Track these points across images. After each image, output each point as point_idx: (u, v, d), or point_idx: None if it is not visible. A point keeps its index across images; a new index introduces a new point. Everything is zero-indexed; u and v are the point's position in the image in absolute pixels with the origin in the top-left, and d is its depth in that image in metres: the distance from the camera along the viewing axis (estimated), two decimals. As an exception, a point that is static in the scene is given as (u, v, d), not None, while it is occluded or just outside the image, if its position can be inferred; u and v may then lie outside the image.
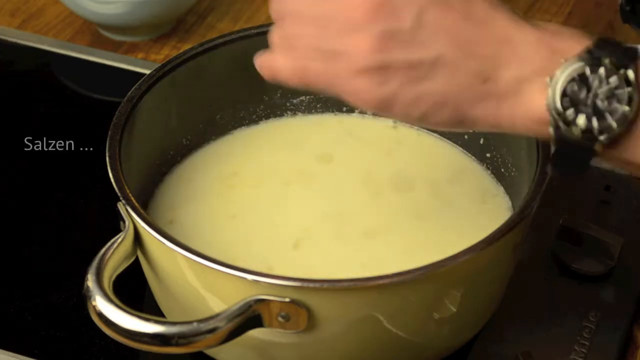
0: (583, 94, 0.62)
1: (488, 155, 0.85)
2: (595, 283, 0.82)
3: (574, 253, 0.83)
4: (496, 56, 0.64)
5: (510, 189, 0.83)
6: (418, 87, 0.65)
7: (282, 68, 0.68)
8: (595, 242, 0.82)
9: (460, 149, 0.87)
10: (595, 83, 0.62)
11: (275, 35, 0.68)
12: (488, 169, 0.85)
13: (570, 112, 0.62)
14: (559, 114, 0.63)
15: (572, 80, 0.62)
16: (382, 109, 0.66)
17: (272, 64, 0.69)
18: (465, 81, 0.64)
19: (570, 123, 0.63)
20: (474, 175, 0.85)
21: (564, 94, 0.62)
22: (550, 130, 0.63)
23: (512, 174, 0.82)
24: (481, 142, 0.85)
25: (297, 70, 0.67)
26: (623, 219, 0.86)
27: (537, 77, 0.63)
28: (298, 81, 0.68)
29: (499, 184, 0.84)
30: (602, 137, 0.62)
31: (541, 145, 0.76)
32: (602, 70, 0.62)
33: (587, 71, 0.62)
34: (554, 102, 0.62)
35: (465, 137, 0.86)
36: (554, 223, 0.84)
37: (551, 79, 0.63)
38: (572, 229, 0.83)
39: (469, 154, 0.87)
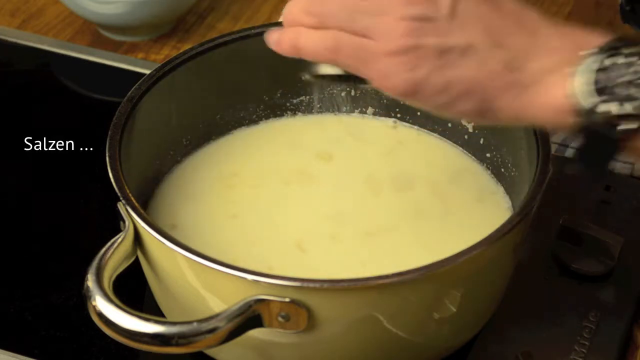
0: (604, 83, 0.63)
1: (488, 155, 0.85)
2: (595, 283, 0.82)
3: (574, 253, 0.83)
4: (525, 47, 0.65)
5: (510, 189, 0.83)
6: (447, 74, 0.65)
7: (311, 44, 0.67)
8: (595, 242, 0.82)
9: (460, 149, 0.87)
10: (615, 72, 0.63)
11: (298, 9, 0.68)
12: (488, 169, 0.85)
13: (591, 100, 0.63)
14: (580, 102, 0.63)
15: (594, 69, 0.63)
16: (409, 94, 0.66)
17: (296, 35, 0.68)
18: (494, 69, 0.65)
19: (592, 111, 0.63)
20: (474, 175, 0.85)
21: (585, 83, 0.63)
22: (573, 119, 0.64)
23: (512, 174, 0.82)
24: (481, 142, 0.85)
25: (327, 46, 0.67)
26: (623, 219, 0.86)
27: (561, 68, 0.64)
28: (327, 57, 0.67)
29: (499, 183, 0.84)
30: (623, 125, 0.63)
31: (541, 145, 0.76)
32: (622, 60, 0.63)
33: (608, 61, 0.63)
34: (576, 91, 0.63)
35: (465, 137, 0.86)
36: (554, 223, 0.84)
37: (574, 69, 0.63)
38: (572, 229, 0.83)
39: (469, 154, 0.87)
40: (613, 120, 0.63)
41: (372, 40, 0.65)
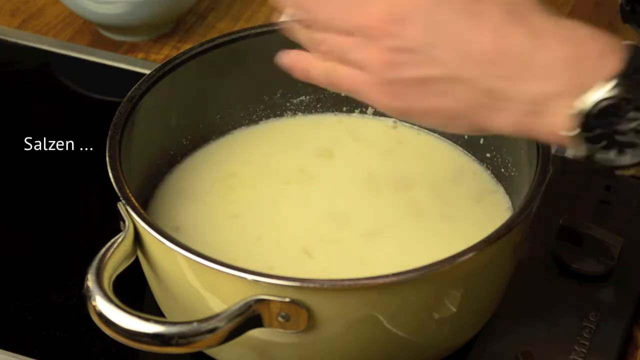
0: (604, 127, 0.60)
1: (488, 155, 0.85)
2: (595, 283, 0.82)
3: (574, 253, 0.83)
4: (512, 74, 0.62)
5: (510, 189, 0.83)
6: (430, 102, 0.65)
7: (316, 71, 0.69)
8: (595, 242, 0.82)
9: (460, 149, 0.87)
10: (617, 118, 0.60)
11: (305, 37, 0.69)
12: (488, 169, 0.85)
13: (590, 144, 0.61)
14: (579, 143, 0.61)
15: (597, 113, 0.60)
16: (401, 117, 0.68)
17: (306, 64, 0.70)
18: (479, 99, 0.63)
19: (593, 151, 0.62)
20: (474, 175, 0.85)
21: (584, 126, 0.60)
22: (574, 150, 0.62)
23: (512, 174, 0.82)
24: (481, 142, 0.85)
25: (328, 75, 0.69)
26: (623, 219, 0.86)
27: (561, 100, 0.61)
28: (329, 85, 0.69)
29: (499, 184, 0.84)
30: (620, 170, 0.62)
31: (541, 145, 0.76)
32: (628, 107, 0.60)
33: (611, 105, 0.60)
34: (575, 132, 0.61)
35: (465, 137, 0.86)
36: (554, 223, 0.84)
37: (576, 107, 0.60)
38: (572, 229, 0.83)
39: (469, 154, 0.87)
40: (609, 163, 0.62)
41: (362, 72, 0.66)
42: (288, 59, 0.71)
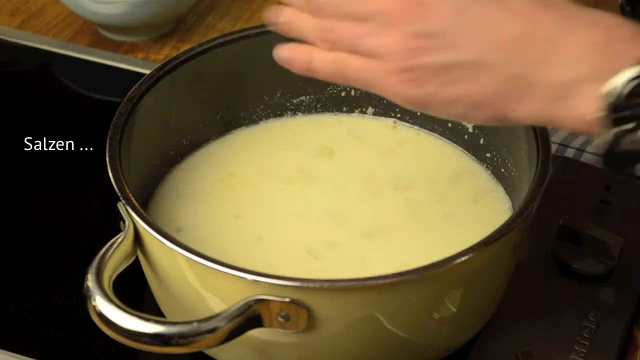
0: (635, 108, 0.59)
1: (488, 155, 0.85)
2: (595, 283, 0.82)
3: (574, 253, 0.83)
4: (540, 59, 0.61)
5: (510, 189, 0.83)
6: (453, 90, 0.63)
7: (321, 62, 0.66)
8: (595, 242, 0.82)
9: (460, 149, 0.87)
10: None
11: (311, 28, 0.66)
12: (488, 169, 0.85)
13: (623, 124, 0.60)
14: (611, 124, 0.60)
15: (628, 93, 0.59)
16: (419, 108, 0.65)
17: (308, 56, 0.67)
18: (505, 84, 0.62)
19: (623, 134, 0.60)
20: (474, 175, 0.85)
21: (617, 107, 0.60)
22: (603, 134, 0.61)
23: (512, 174, 0.82)
24: (481, 142, 0.85)
25: (336, 65, 0.66)
26: (623, 219, 0.86)
27: (589, 83, 0.60)
28: (336, 77, 0.66)
29: (499, 184, 0.84)
30: None
31: (541, 145, 0.76)
32: None
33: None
34: (608, 113, 0.60)
35: (465, 137, 0.86)
36: (554, 223, 0.84)
37: (608, 88, 0.60)
38: (572, 229, 0.83)
39: (469, 154, 0.87)
40: (638, 147, 0.60)
41: (377, 61, 0.64)
42: (286, 52, 0.68)
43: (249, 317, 0.68)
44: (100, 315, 0.67)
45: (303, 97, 0.89)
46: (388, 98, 0.66)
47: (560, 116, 0.62)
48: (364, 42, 0.64)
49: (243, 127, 0.89)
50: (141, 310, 0.68)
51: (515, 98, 0.63)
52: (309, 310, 0.68)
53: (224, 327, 0.67)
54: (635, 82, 0.59)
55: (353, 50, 0.65)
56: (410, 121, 0.89)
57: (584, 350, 0.77)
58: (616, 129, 0.61)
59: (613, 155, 0.62)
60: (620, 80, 0.59)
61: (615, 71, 0.60)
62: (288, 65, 0.69)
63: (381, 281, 0.68)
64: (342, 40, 0.65)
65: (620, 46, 0.60)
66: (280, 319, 0.68)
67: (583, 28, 0.61)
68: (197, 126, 0.87)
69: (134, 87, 0.80)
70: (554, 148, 0.88)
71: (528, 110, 0.63)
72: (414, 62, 0.63)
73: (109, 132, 0.77)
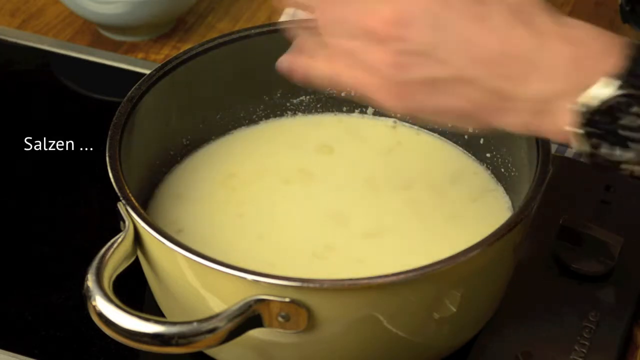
0: (608, 124, 0.61)
1: (488, 155, 0.85)
2: (595, 283, 0.82)
3: (574, 253, 0.83)
4: (517, 75, 0.63)
5: (510, 189, 0.83)
6: (439, 102, 0.66)
7: (317, 74, 0.69)
8: (595, 242, 0.82)
9: (460, 149, 0.87)
10: (621, 114, 0.61)
11: (308, 39, 0.70)
12: (488, 169, 0.85)
13: (594, 140, 0.62)
14: (583, 139, 0.62)
15: (597, 109, 0.61)
16: (409, 116, 0.69)
17: (307, 68, 0.70)
18: (485, 98, 0.64)
19: (596, 149, 0.62)
20: (474, 175, 0.85)
21: (588, 122, 0.61)
22: (580, 147, 0.63)
23: (512, 174, 0.82)
24: (481, 142, 0.85)
25: (331, 77, 0.69)
26: (623, 219, 0.86)
27: (563, 99, 0.62)
28: (332, 87, 0.71)
29: (499, 183, 0.84)
30: (625, 165, 0.62)
31: (541, 145, 0.76)
32: (631, 103, 0.60)
33: (614, 102, 0.61)
34: (579, 129, 0.62)
35: (465, 137, 0.86)
36: (554, 223, 0.84)
37: (577, 104, 0.61)
38: (572, 229, 0.83)
39: (469, 154, 0.87)
40: (612, 159, 0.62)
41: (368, 75, 0.66)
42: (287, 63, 0.71)
43: (249, 317, 0.68)
44: (100, 315, 0.67)
45: (303, 97, 0.89)
46: (383, 108, 0.68)
47: (541, 129, 0.65)
48: (357, 58, 0.67)
49: (243, 127, 0.89)
50: (141, 310, 0.68)
51: (497, 111, 0.65)
52: (309, 310, 0.68)
53: (224, 327, 0.67)
54: (607, 99, 0.61)
55: (348, 64, 0.68)
56: (410, 121, 0.89)
57: (584, 350, 0.77)
58: (593, 142, 0.62)
59: (596, 163, 0.63)
60: (592, 97, 0.61)
61: (585, 86, 0.61)
62: (288, 75, 0.71)
63: (381, 281, 0.68)
64: (338, 54, 0.68)
65: (593, 62, 0.62)
66: (280, 319, 0.68)
67: (556, 45, 0.62)
68: (197, 126, 0.87)
69: (134, 87, 0.80)
70: (554, 148, 0.88)
71: (511, 122, 0.65)
72: (401, 77, 0.65)
73: (109, 132, 0.77)
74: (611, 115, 0.61)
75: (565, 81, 0.62)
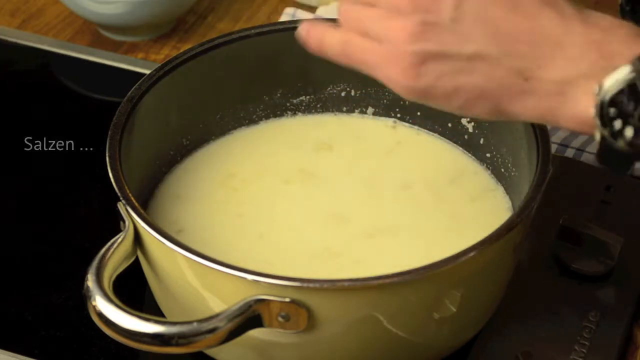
0: (631, 106, 0.60)
1: (488, 155, 0.85)
2: (595, 283, 0.82)
3: (574, 253, 0.83)
4: (538, 55, 0.62)
5: (510, 189, 0.83)
6: (455, 80, 0.64)
7: (330, 41, 0.68)
8: (595, 242, 0.82)
9: (460, 149, 0.87)
10: None
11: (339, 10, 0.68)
12: (488, 169, 0.85)
13: (617, 123, 0.61)
14: (604, 123, 0.61)
15: (621, 91, 0.60)
16: (418, 98, 0.66)
17: (321, 35, 0.69)
18: (504, 78, 0.63)
19: (617, 134, 0.61)
20: (474, 175, 0.85)
21: (611, 104, 0.61)
22: (596, 134, 0.62)
23: (512, 174, 0.82)
24: (481, 142, 0.85)
25: (343, 45, 0.67)
26: (623, 219, 0.86)
27: (584, 82, 0.62)
28: (342, 57, 0.68)
29: (499, 183, 0.84)
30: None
31: (541, 145, 0.76)
32: None
33: (635, 84, 0.60)
34: (601, 112, 0.61)
35: (465, 137, 0.86)
36: (554, 223, 0.84)
37: (599, 87, 0.61)
38: (572, 229, 0.83)
39: (469, 154, 0.87)
40: (634, 144, 0.61)
41: (382, 44, 0.65)
42: (304, 32, 0.70)
43: (249, 317, 0.68)
44: (100, 315, 0.67)
45: (303, 97, 0.89)
46: (389, 86, 0.67)
47: (556, 113, 0.64)
48: (372, 25, 0.66)
49: (243, 127, 0.89)
50: (141, 310, 0.68)
51: (514, 92, 0.64)
52: (309, 310, 0.68)
53: (224, 327, 0.67)
54: (628, 83, 0.61)
55: (362, 33, 0.66)
56: (410, 121, 0.89)
57: (584, 350, 0.77)
58: (611, 128, 0.62)
59: (607, 154, 0.63)
60: (610, 80, 0.61)
61: (608, 71, 0.61)
62: (305, 43, 0.70)
63: (381, 281, 0.68)
64: (352, 21, 0.67)
65: (615, 47, 0.62)
66: (280, 319, 0.68)
67: (582, 28, 0.63)
68: (197, 126, 0.87)
69: (134, 87, 0.80)
70: (554, 148, 0.88)
71: (525, 105, 0.64)
72: (417, 47, 0.64)
73: (109, 132, 0.77)
74: (630, 99, 0.60)
75: (590, 63, 0.62)
